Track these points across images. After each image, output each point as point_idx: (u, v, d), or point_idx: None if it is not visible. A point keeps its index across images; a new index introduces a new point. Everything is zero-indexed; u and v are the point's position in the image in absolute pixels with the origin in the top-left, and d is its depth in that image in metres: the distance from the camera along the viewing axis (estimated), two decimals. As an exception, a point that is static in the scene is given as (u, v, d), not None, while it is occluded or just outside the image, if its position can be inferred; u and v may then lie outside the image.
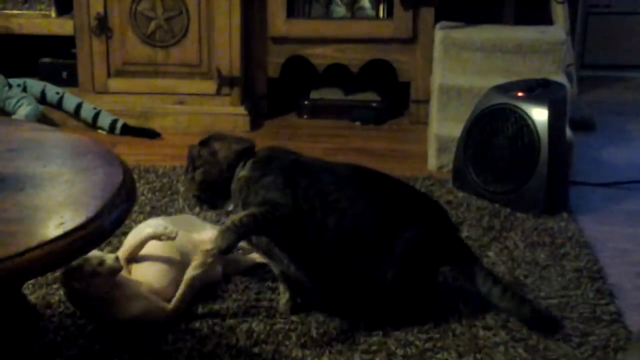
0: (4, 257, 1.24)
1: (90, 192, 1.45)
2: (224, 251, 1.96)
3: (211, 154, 2.12)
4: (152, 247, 2.18)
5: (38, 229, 1.35)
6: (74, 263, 1.98)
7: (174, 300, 2.13)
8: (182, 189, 2.87)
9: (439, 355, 2.02)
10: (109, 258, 2.03)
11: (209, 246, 2.10)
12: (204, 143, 2.16)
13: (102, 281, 2.01)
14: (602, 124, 3.73)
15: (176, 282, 2.17)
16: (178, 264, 2.19)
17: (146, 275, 2.15)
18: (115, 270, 2.02)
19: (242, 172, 2.08)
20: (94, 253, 2.01)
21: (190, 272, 2.16)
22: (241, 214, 1.99)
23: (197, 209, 2.65)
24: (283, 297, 2.19)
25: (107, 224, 1.37)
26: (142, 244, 2.16)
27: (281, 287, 2.20)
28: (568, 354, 2.01)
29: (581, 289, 2.31)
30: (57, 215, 1.40)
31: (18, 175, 1.55)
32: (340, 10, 3.79)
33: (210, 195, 2.13)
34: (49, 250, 1.26)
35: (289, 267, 2.10)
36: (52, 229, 1.32)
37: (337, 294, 2.15)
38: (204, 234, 2.28)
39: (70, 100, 3.59)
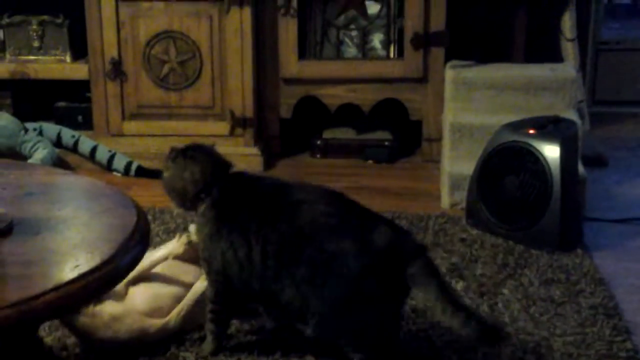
0: (20, 300, 1.25)
1: (105, 235, 1.47)
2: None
3: (181, 168, 2.12)
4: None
5: (54, 272, 1.37)
6: None
7: (174, 312, 2.17)
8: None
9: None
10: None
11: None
12: (184, 153, 2.16)
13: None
14: (614, 159, 3.74)
15: (170, 305, 2.21)
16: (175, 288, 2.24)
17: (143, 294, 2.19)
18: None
19: (201, 207, 2.08)
20: None
21: (197, 286, 2.20)
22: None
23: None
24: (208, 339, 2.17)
25: (122, 266, 1.39)
26: (153, 265, 2.22)
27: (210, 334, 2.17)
28: (585, 392, 2.00)
29: (597, 326, 2.30)
30: (72, 258, 1.41)
31: (33, 219, 1.57)
32: (351, 50, 3.83)
33: (174, 198, 2.15)
34: (64, 293, 1.27)
35: None
36: (68, 271, 1.34)
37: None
38: None
39: (86, 144, 3.63)
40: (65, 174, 2.04)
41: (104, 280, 1.35)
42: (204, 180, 2.09)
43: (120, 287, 2.09)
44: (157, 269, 2.25)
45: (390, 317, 2.02)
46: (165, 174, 2.15)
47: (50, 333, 2.27)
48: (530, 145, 2.84)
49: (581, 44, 3.85)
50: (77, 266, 1.35)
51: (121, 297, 2.15)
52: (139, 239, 1.48)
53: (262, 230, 2.00)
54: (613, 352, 2.18)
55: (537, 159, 2.81)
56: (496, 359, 2.14)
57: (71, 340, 2.24)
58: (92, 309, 2.07)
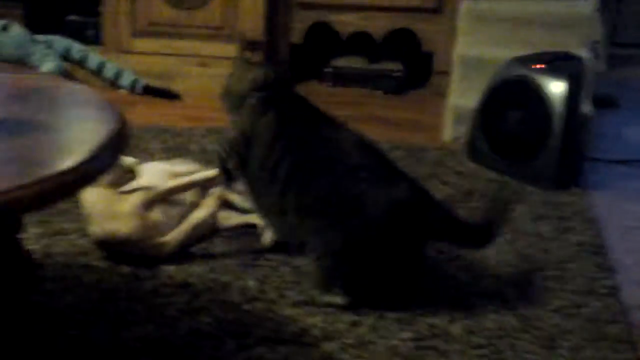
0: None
1: (84, 138, 1.50)
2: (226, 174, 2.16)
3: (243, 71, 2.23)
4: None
5: (31, 169, 1.38)
6: None
7: (172, 234, 2.20)
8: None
9: (429, 319, 2.02)
10: (130, 159, 2.28)
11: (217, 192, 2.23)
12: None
13: (116, 173, 2.23)
14: (628, 102, 3.67)
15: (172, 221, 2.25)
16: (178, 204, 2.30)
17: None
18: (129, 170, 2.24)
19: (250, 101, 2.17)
20: None
21: (198, 214, 2.21)
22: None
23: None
24: (266, 234, 2.26)
25: (96, 167, 1.41)
26: (185, 188, 2.29)
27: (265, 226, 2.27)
28: (558, 325, 2.00)
29: (580, 263, 2.29)
30: (48, 157, 1.44)
31: (18, 120, 1.58)
32: (366, -23, 3.77)
33: (227, 108, 2.25)
34: (39, 189, 1.28)
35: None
36: (44, 169, 1.35)
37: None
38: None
39: (94, 59, 3.63)
40: (55, 80, 2.06)
41: (79, 179, 1.37)
42: (260, 81, 2.19)
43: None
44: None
45: (394, 268, 2.04)
46: (229, 78, 2.25)
47: (38, 240, 2.31)
48: (536, 80, 2.79)
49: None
50: (52, 165, 1.37)
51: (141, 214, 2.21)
52: (116, 144, 1.49)
53: (299, 143, 2.08)
54: (592, 288, 2.17)
55: (541, 94, 2.77)
56: (475, 288, 2.15)
57: (56, 249, 2.28)
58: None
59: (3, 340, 1.76)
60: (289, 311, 2.03)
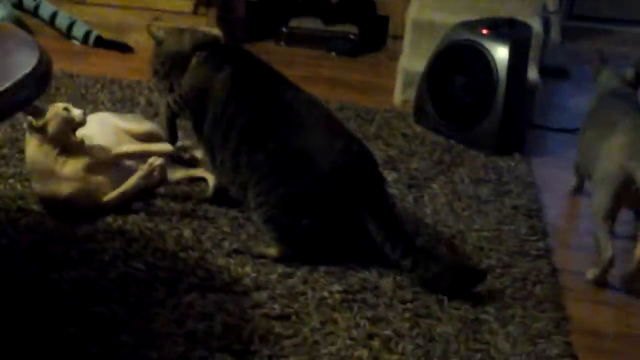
0: None
1: (5, 72, 1.49)
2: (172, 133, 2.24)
3: (177, 34, 2.24)
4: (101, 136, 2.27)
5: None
6: (39, 105, 2.11)
7: (111, 195, 2.18)
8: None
9: (360, 274, 2.05)
10: (76, 111, 2.15)
11: (157, 161, 2.20)
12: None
13: (61, 125, 2.12)
14: (578, 74, 3.71)
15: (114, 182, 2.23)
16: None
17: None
18: (77, 122, 2.14)
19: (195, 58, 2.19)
20: (62, 103, 2.17)
21: (134, 179, 2.20)
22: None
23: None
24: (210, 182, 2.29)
25: (15, 100, 1.42)
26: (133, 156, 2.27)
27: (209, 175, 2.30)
28: (487, 283, 2.04)
29: (515, 225, 2.34)
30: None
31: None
32: (324, -63, 3.76)
33: (168, 69, 2.23)
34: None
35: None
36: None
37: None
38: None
39: (46, 9, 3.59)
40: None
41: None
42: (203, 38, 2.22)
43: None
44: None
45: (329, 224, 2.06)
46: (163, 43, 2.23)
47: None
48: (481, 45, 2.81)
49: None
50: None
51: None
52: (36, 79, 1.49)
53: (252, 101, 2.10)
54: (524, 249, 2.22)
55: (485, 59, 2.79)
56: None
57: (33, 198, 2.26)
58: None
59: None
60: (222, 261, 2.05)
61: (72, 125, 2.14)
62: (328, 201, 2.03)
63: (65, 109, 2.14)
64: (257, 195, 2.05)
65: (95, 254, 2.03)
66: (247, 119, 2.08)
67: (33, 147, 2.16)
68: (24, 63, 1.54)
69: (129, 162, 2.30)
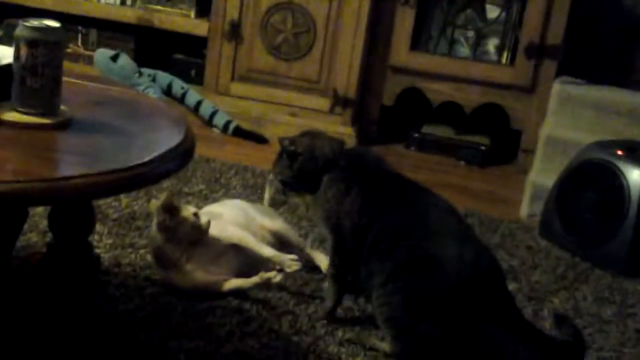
0: (73, 176, 1.41)
1: (149, 145, 1.60)
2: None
3: (311, 149, 2.20)
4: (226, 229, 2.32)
5: (91, 163, 1.49)
6: (176, 203, 2.19)
7: (229, 286, 2.25)
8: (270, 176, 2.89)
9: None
10: (205, 218, 2.22)
11: (277, 279, 2.24)
12: (303, 135, 2.27)
13: (188, 230, 2.19)
14: None
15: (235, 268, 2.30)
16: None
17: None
18: (201, 229, 2.20)
19: (328, 175, 2.17)
20: (193, 207, 2.25)
21: (252, 281, 2.26)
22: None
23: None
24: (328, 299, 2.24)
25: (151, 173, 1.51)
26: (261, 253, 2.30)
27: (330, 289, 2.24)
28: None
29: (638, 349, 2.25)
30: (111, 155, 1.55)
31: (91, 122, 1.71)
32: (463, 50, 3.84)
33: (298, 183, 2.23)
34: (92, 181, 1.39)
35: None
36: (102, 165, 1.46)
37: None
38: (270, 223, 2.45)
39: (193, 97, 3.79)
40: (135, 93, 2.20)
41: (133, 180, 1.47)
42: (332, 153, 2.19)
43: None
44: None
45: (446, 333, 2.04)
46: (297, 162, 2.20)
47: (109, 250, 2.42)
48: (615, 165, 2.79)
49: None
50: (112, 162, 1.47)
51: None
52: (178, 155, 1.59)
53: (384, 213, 2.11)
54: (645, 374, 2.14)
55: (618, 180, 2.76)
56: None
57: (126, 260, 2.38)
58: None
59: (61, 329, 1.85)
60: (333, 348, 2.07)
61: (199, 231, 2.22)
62: (450, 311, 2.02)
63: (195, 214, 2.21)
64: (381, 295, 2.06)
65: (212, 328, 2.08)
66: (379, 229, 2.09)
67: (159, 242, 2.23)
68: (171, 138, 1.65)
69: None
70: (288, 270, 2.27)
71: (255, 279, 2.25)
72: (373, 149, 3.71)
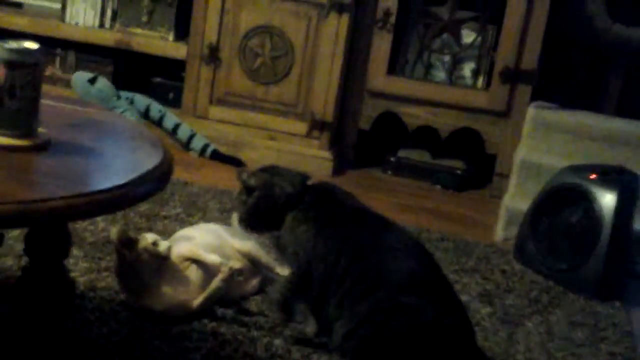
0: (50, 198, 1.42)
1: (126, 166, 1.61)
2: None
3: (268, 185, 2.15)
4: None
5: (69, 185, 1.51)
6: (132, 235, 2.19)
7: (198, 301, 2.26)
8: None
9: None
10: (164, 244, 2.21)
11: (236, 264, 2.28)
12: (263, 171, 2.21)
13: (149, 260, 2.19)
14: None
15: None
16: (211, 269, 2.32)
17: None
18: (161, 256, 2.19)
19: (291, 214, 2.13)
20: (152, 235, 2.22)
21: (215, 283, 2.27)
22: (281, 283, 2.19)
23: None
24: (308, 322, 2.24)
25: (131, 195, 1.52)
26: (207, 261, 2.31)
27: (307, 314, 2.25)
28: None
29: (610, 372, 2.28)
30: (88, 178, 1.56)
31: (69, 143, 1.72)
32: (440, 74, 3.89)
33: (256, 220, 2.17)
34: (69, 203, 1.40)
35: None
36: (81, 187, 1.48)
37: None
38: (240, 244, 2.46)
39: (170, 120, 3.80)
40: (112, 115, 2.21)
41: (111, 202, 1.48)
42: (293, 189, 2.13)
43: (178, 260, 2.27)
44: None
45: None
46: (252, 198, 2.14)
47: (85, 274, 2.42)
48: (588, 189, 2.83)
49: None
50: (89, 184, 1.49)
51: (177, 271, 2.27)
52: (156, 177, 1.60)
53: (352, 250, 2.07)
54: (617, 398, 2.16)
55: (591, 204, 2.80)
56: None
57: (101, 284, 2.38)
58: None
59: (36, 354, 1.85)
60: (309, 373, 2.07)
61: (160, 258, 2.21)
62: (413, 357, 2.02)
63: (154, 242, 2.20)
64: (347, 332, 2.06)
65: (188, 352, 2.09)
66: (359, 270, 2.06)
67: (125, 274, 2.24)
68: (148, 160, 1.66)
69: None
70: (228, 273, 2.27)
71: (217, 279, 2.26)
72: (347, 174, 3.78)
